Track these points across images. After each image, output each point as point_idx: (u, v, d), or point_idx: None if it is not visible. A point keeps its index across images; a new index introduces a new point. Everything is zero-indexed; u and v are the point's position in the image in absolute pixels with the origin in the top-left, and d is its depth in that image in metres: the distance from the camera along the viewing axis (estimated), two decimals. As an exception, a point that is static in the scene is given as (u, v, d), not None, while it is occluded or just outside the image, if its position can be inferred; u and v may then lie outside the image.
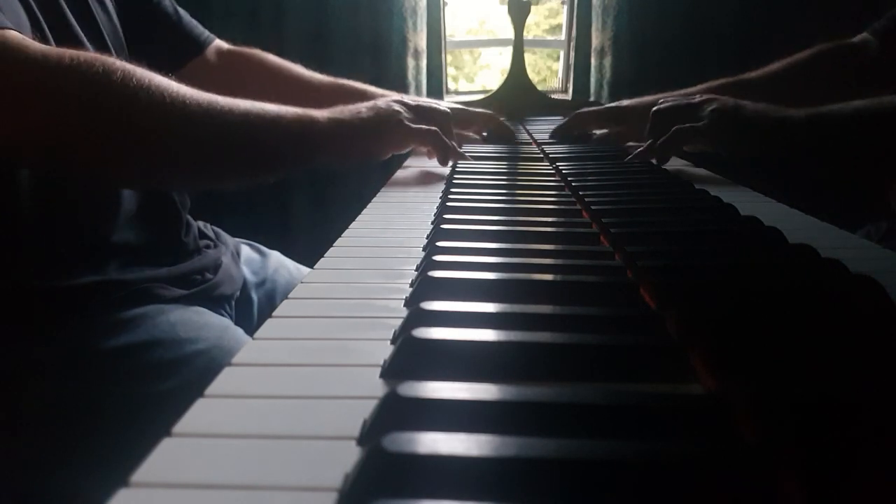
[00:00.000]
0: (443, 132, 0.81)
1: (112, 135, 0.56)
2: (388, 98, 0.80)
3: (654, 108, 0.85)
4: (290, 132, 0.66)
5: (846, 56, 1.00)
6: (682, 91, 1.01)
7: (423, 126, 0.78)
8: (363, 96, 0.96)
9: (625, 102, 1.06)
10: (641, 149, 0.85)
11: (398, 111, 0.76)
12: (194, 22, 0.92)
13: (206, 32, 0.93)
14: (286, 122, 0.65)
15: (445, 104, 0.99)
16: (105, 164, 0.58)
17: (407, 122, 0.76)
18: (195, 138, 0.60)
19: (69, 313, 0.62)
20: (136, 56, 0.77)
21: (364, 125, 0.72)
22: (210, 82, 0.90)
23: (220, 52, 0.94)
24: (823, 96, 0.77)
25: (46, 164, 0.59)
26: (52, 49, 0.54)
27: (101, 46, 0.69)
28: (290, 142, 0.66)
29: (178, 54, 0.88)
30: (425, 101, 0.86)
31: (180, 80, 0.86)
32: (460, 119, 1.01)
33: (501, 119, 1.10)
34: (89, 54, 0.55)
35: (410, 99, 0.83)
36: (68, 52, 0.54)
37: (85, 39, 0.67)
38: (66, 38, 0.64)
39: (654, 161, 0.82)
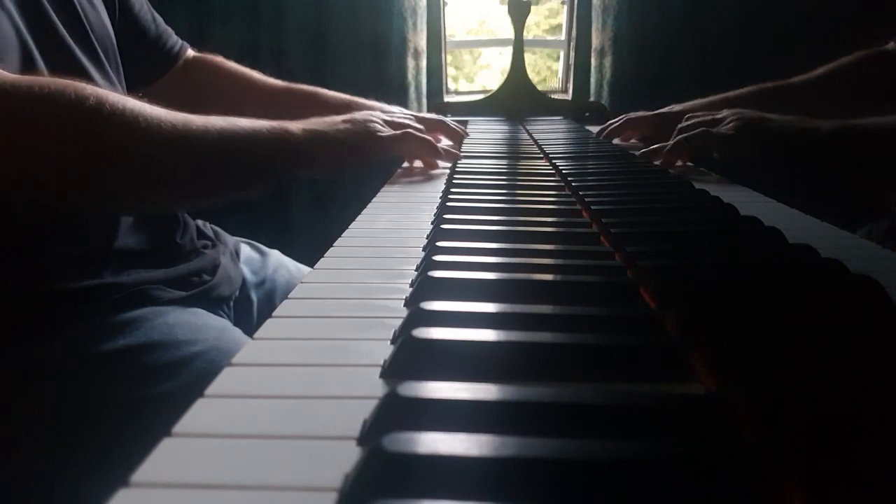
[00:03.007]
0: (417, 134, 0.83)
1: (87, 162, 0.56)
2: (364, 112, 0.81)
3: (679, 126, 0.86)
4: (265, 147, 0.66)
5: (888, 63, 1.00)
6: (726, 95, 1.03)
7: (398, 132, 0.79)
8: (314, 99, 1.01)
9: (677, 107, 1.07)
10: (666, 144, 0.85)
11: (372, 120, 0.77)
12: (169, 30, 0.93)
13: (179, 41, 0.95)
14: (261, 136, 0.66)
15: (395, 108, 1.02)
16: (82, 191, 0.58)
17: (380, 133, 0.77)
18: (172, 160, 0.60)
19: (67, 316, 0.62)
20: (123, 66, 0.77)
21: (339, 136, 0.72)
22: (178, 92, 0.92)
23: (187, 61, 0.96)
24: (867, 104, 0.77)
25: (25, 193, 0.59)
26: (22, 78, 0.54)
27: (91, 52, 0.69)
28: (267, 156, 0.67)
29: (156, 67, 0.91)
30: (400, 112, 0.87)
31: (154, 90, 0.88)
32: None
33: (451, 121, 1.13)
34: (60, 81, 0.55)
35: (386, 113, 0.84)
36: (38, 81, 0.54)
37: (74, 46, 0.66)
38: (53, 45, 0.63)
39: (672, 157, 0.83)
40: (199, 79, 0.97)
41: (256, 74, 1.02)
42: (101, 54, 0.70)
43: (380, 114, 0.81)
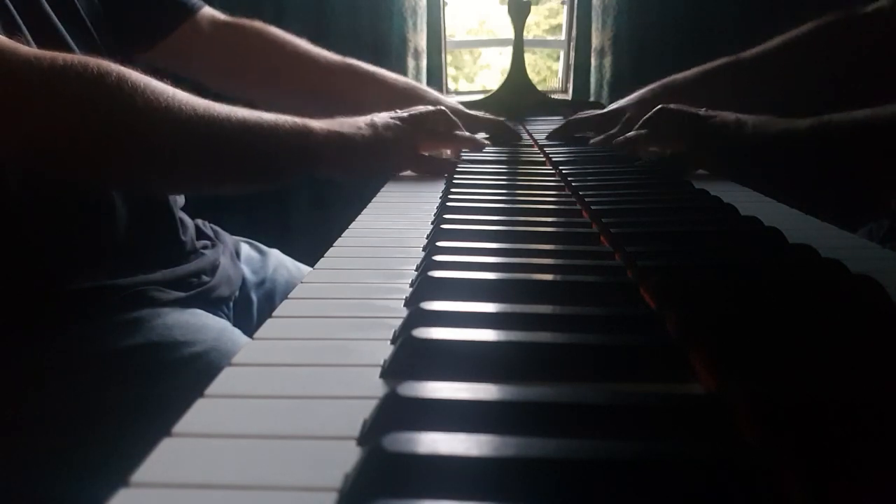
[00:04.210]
0: (448, 129, 0.81)
1: (105, 137, 0.55)
2: (382, 114, 0.76)
3: (662, 106, 0.83)
4: (285, 143, 0.65)
5: (852, 29, 0.93)
6: (678, 75, 0.99)
7: (425, 155, 0.76)
8: (373, 79, 0.95)
9: (616, 105, 1.04)
10: (629, 134, 0.84)
11: (398, 125, 0.74)
12: None
13: None
14: (282, 132, 0.65)
15: (452, 101, 0.98)
16: (98, 166, 0.57)
17: (401, 145, 0.74)
18: (191, 143, 0.59)
19: (66, 318, 0.62)
20: (121, 24, 0.74)
21: (365, 141, 0.70)
22: (206, 56, 0.87)
23: (216, 23, 0.89)
24: (826, 74, 0.73)
25: (40, 167, 0.58)
26: (43, 52, 0.54)
27: (82, 32, 0.68)
28: (285, 152, 0.66)
29: (165, 18, 0.84)
30: (417, 108, 0.82)
31: (170, 49, 0.84)
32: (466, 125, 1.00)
33: (505, 121, 1.08)
34: (82, 57, 0.54)
35: (405, 111, 0.79)
36: (60, 55, 0.53)
37: (59, 24, 0.65)
38: (38, 21, 0.62)
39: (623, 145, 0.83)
40: (237, 45, 0.90)
41: (307, 45, 0.94)
42: (94, 33, 0.69)
43: (401, 112, 0.77)
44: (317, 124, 0.68)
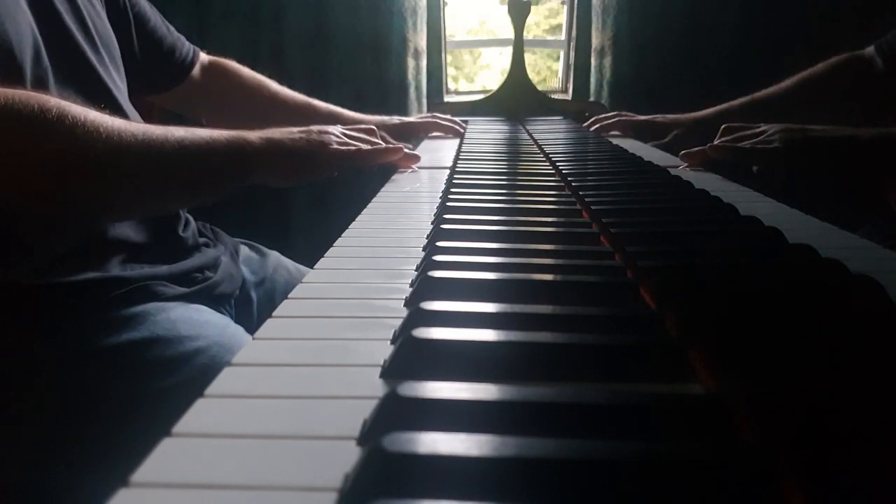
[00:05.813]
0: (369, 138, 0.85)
1: (49, 172, 0.57)
2: (324, 125, 0.81)
3: (725, 126, 0.89)
4: (223, 155, 0.68)
5: (861, 67, 1.04)
6: (701, 112, 1.12)
7: (346, 149, 0.79)
8: (331, 117, 1.05)
9: (659, 118, 1.18)
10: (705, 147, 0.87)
11: (327, 132, 0.78)
12: (182, 38, 0.95)
13: (191, 49, 0.97)
14: (219, 144, 0.67)
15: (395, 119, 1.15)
16: (43, 200, 0.58)
17: (331, 147, 0.77)
18: (132, 170, 0.61)
19: (70, 310, 0.62)
20: (140, 75, 0.81)
21: (294, 145, 0.74)
22: (200, 99, 1.00)
23: (203, 67, 1.00)
24: (841, 108, 0.79)
25: None
26: None
27: (96, 51, 0.70)
28: (224, 164, 0.68)
29: (173, 76, 0.96)
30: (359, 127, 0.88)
31: (173, 95, 0.96)
32: (402, 132, 1.13)
33: (442, 117, 1.26)
34: (23, 93, 0.55)
35: (349, 126, 0.85)
36: (2, 93, 0.54)
37: (85, 46, 0.68)
38: (65, 45, 0.65)
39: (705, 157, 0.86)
40: (216, 85, 1.01)
41: (275, 85, 1.06)
42: (104, 53, 0.72)
43: (339, 127, 0.81)
44: (252, 135, 0.71)
